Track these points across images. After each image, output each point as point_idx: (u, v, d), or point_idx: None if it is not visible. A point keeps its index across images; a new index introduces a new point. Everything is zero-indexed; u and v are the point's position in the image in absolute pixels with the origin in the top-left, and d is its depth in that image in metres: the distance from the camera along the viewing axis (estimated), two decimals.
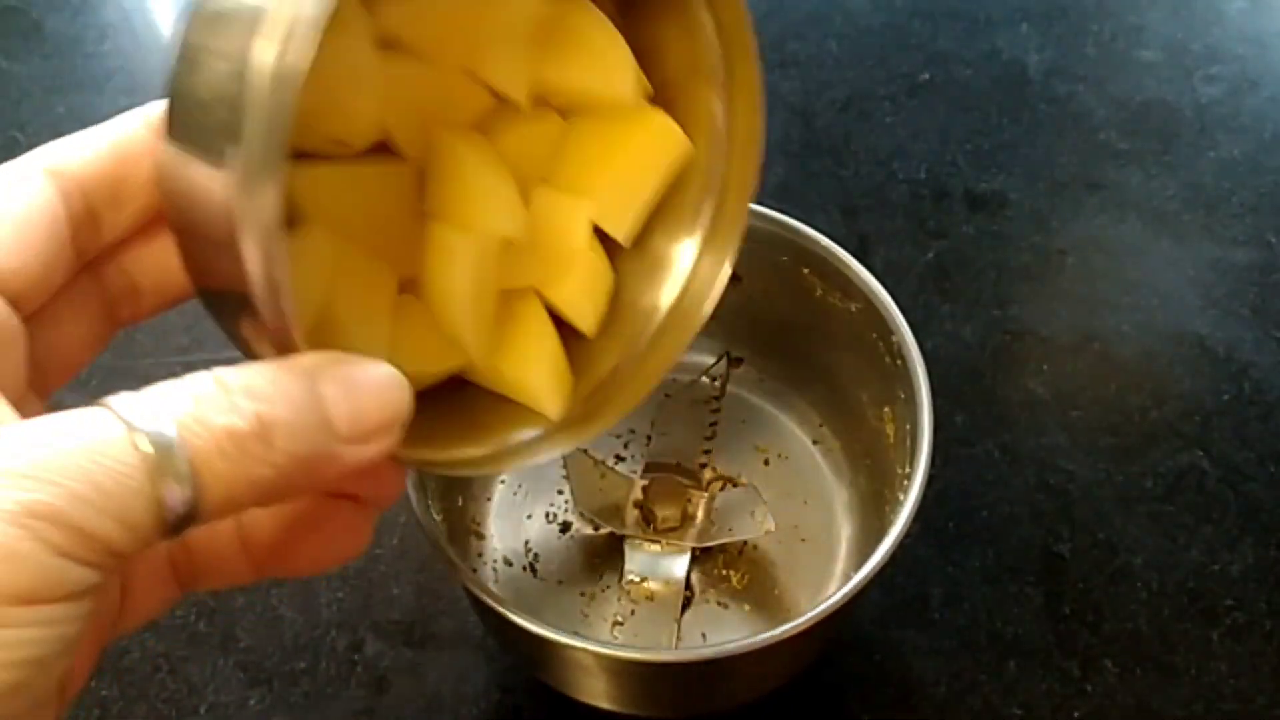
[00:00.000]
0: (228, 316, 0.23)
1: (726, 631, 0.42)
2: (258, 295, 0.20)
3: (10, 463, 0.17)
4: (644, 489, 0.44)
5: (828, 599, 0.34)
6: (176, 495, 0.19)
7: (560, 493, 0.45)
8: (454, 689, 0.44)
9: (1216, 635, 0.45)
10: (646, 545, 0.43)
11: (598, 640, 0.34)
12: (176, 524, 0.19)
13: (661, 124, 0.30)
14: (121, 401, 0.19)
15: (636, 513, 0.44)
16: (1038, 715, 0.43)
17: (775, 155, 0.60)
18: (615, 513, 0.44)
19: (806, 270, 0.42)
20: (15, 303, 0.21)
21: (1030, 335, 0.53)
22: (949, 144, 0.60)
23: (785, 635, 0.33)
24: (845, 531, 0.45)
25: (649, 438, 0.45)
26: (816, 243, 0.41)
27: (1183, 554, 0.47)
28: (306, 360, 0.21)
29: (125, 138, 0.23)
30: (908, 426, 0.39)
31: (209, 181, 0.20)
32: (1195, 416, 0.50)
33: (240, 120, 0.19)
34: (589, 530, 0.45)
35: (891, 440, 0.42)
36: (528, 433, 0.30)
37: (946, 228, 0.57)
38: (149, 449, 0.18)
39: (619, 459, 0.46)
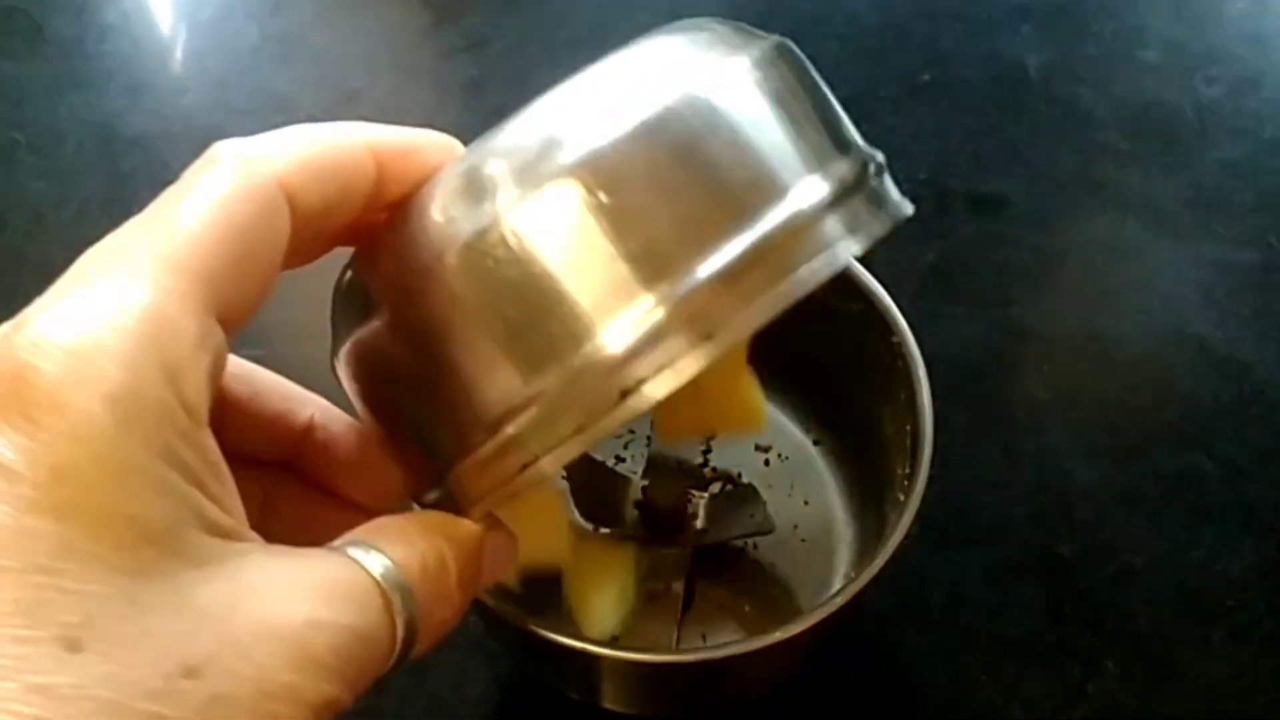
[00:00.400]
0: (379, 403, 0.24)
1: (726, 632, 0.42)
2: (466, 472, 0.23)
3: (317, 648, 0.18)
4: (644, 489, 0.44)
5: (828, 599, 0.34)
6: (392, 661, 0.20)
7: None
8: (454, 689, 0.44)
9: (1217, 635, 0.45)
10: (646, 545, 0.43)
11: (598, 641, 0.34)
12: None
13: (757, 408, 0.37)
14: (378, 567, 0.20)
15: (636, 513, 0.44)
16: (1038, 715, 0.43)
17: None
18: (614, 513, 0.44)
19: None
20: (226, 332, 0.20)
21: (1031, 336, 0.53)
22: (950, 145, 0.60)
23: (785, 636, 0.33)
24: (845, 532, 0.45)
25: (649, 438, 0.45)
26: None
27: (1183, 554, 0.47)
28: (476, 533, 0.23)
29: (353, 166, 0.22)
30: (908, 427, 0.39)
31: (483, 374, 0.21)
32: (1196, 417, 0.50)
33: (561, 399, 0.21)
34: (589, 530, 0.45)
35: (892, 440, 0.42)
36: None
37: (947, 228, 0.57)
38: (402, 627, 0.20)
39: (619, 459, 0.46)
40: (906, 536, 0.35)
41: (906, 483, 0.37)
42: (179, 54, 0.65)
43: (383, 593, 0.20)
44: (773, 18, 0.66)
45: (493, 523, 0.24)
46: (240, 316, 0.20)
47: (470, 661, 0.44)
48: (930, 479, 0.36)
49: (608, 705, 0.39)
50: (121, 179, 0.59)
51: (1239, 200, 0.58)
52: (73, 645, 0.16)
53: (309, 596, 0.19)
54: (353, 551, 0.20)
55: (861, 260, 0.41)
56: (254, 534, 0.20)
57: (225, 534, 0.19)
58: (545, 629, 0.33)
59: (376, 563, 0.20)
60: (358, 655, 0.19)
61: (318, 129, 0.22)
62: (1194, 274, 0.55)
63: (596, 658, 0.34)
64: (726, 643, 0.34)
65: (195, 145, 0.21)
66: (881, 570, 0.34)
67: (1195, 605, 0.45)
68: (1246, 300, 0.54)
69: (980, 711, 0.43)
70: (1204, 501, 0.48)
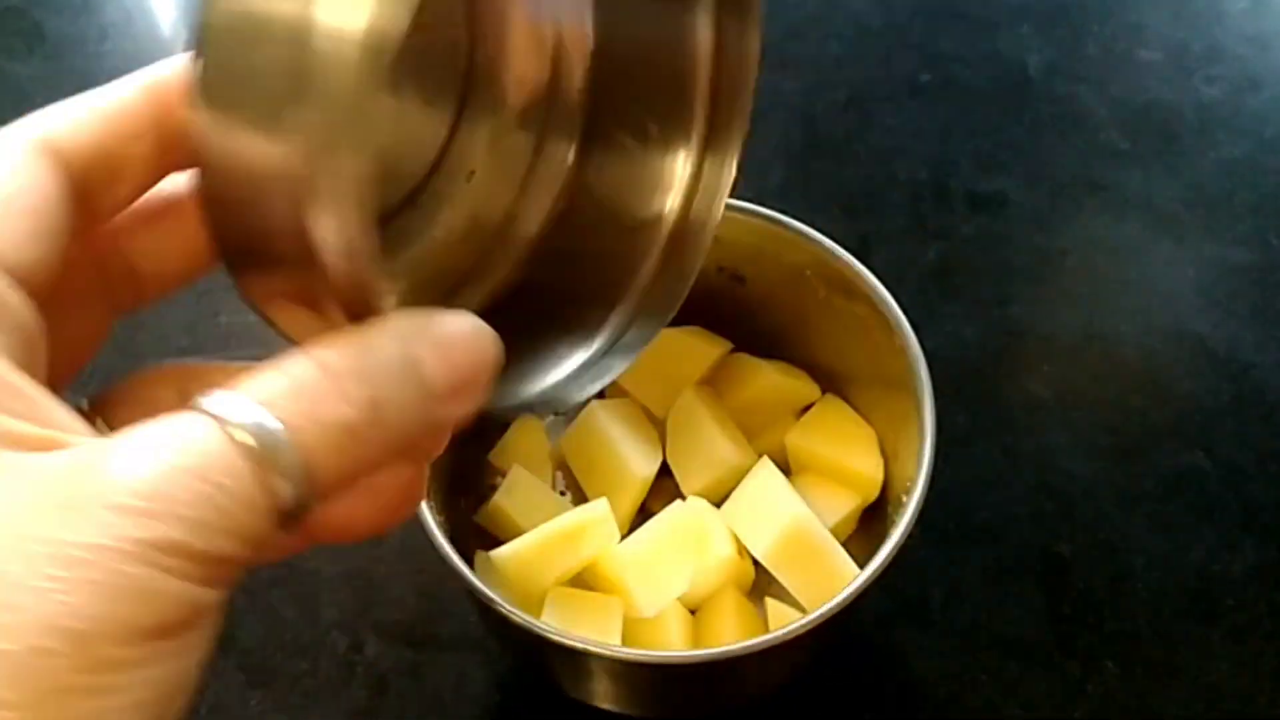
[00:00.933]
0: (275, 290, 0.21)
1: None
2: (335, 266, 0.19)
3: (119, 494, 0.16)
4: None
5: (829, 599, 0.34)
6: (288, 493, 0.18)
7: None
8: (455, 690, 0.44)
9: (1217, 635, 0.45)
10: None
11: (599, 642, 0.34)
12: (287, 520, 0.18)
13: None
14: (218, 403, 0.18)
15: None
16: (1038, 715, 0.43)
17: (776, 155, 0.60)
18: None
19: (808, 271, 0.42)
20: (32, 296, 0.19)
21: (1031, 335, 0.53)
22: (950, 144, 0.60)
23: (786, 637, 0.33)
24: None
25: None
26: (818, 243, 0.41)
27: (1183, 554, 0.46)
28: (399, 325, 0.19)
29: (123, 109, 0.21)
30: (909, 427, 0.39)
31: (266, 150, 0.19)
32: (1196, 417, 0.50)
33: (313, 84, 0.18)
34: None
35: (894, 441, 0.42)
36: (574, 360, 0.29)
37: (947, 228, 0.57)
38: (258, 452, 0.17)
39: None
40: (908, 537, 0.35)
41: (908, 483, 0.37)
42: (181, 53, 0.65)
43: (207, 416, 0.17)
44: (773, 17, 0.66)
45: (423, 314, 0.20)
46: (35, 279, 0.19)
47: (470, 661, 0.44)
48: (931, 479, 0.36)
49: (608, 706, 0.39)
50: None
51: (1239, 200, 0.57)
52: None
53: (113, 453, 0.17)
54: (197, 403, 0.18)
55: (862, 259, 0.41)
56: (83, 434, 0.18)
57: (34, 447, 0.17)
58: (546, 629, 0.33)
59: (214, 402, 0.18)
60: (184, 490, 0.17)
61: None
62: (1194, 274, 0.55)
63: (597, 659, 0.34)
64: (728, 644, 0.34)
65: None
66: (882, 570, 0.34)
67: (1195, 605, 0.45)
68: (1246, 300, 0.54)
69: (980, 711, 0.43)
70: (1204, 501, 0.48)
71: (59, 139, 0.20)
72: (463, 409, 0.20)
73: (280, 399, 0.18)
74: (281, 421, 0.18)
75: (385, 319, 0.19)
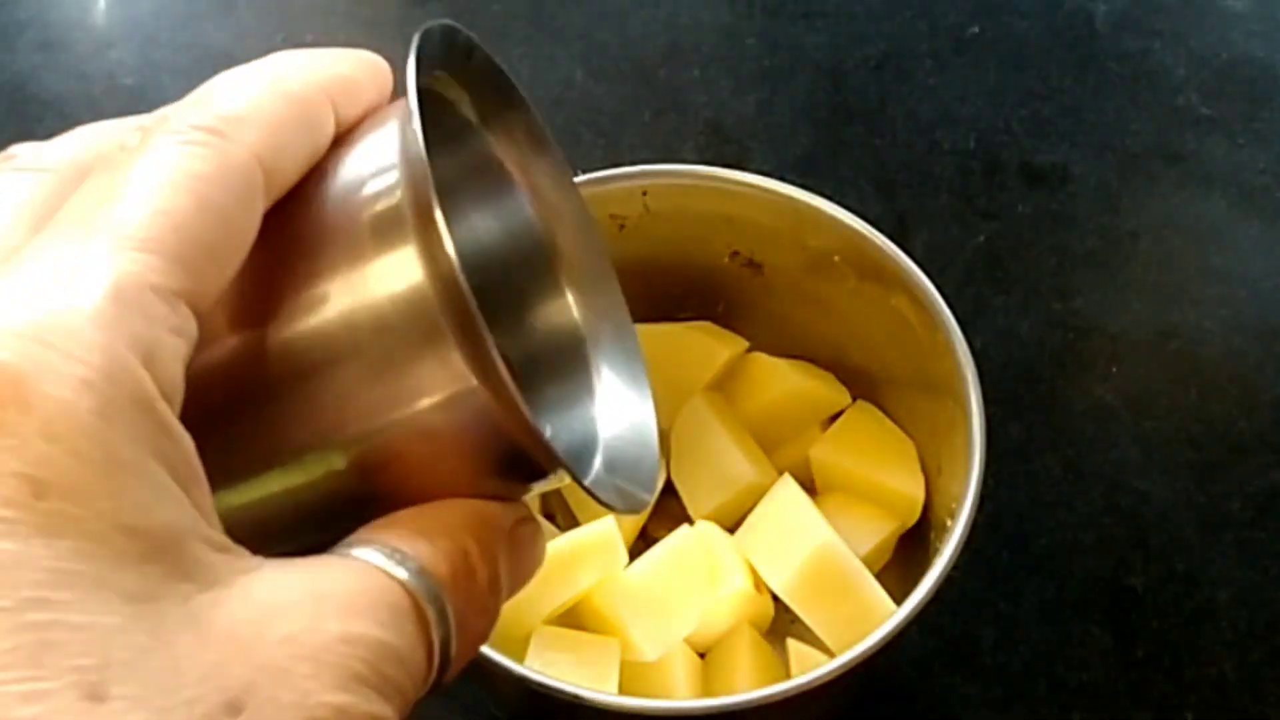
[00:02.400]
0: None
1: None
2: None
3: (351, 667, 0.18)
4: None
5: (860, 640, 0.34)
6: (438, 652, 0.20)
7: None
8: None
9: None
10: None
11: (592, 689, 0.34)
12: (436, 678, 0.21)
13: None
14: (405, 572, 0.20)
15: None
16: None
17: (800, 122, 0.60)
18: None
19: (837, 256, 0.42)
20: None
21: (1097, 332, 0.53)
22: (1002, 108, 0.60)
23: (811, 684, 0.33)
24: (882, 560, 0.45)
25: None
26: (848, 225, 0.41)
27: (1275, 588, 0.47)
28: (502, 524, 0.23)
29: (324, 127, 0.22)
30: (955, 439, 0.39)
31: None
32: None
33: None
34: None
35: (937, 455, 0.42)
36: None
37: (999, 206, 0.57)
38: (437, 644, 0.20)
39: None
40: (954, 568, 0.35)
41: (954, 505, 0.37)
42: (101, 2, 0.65)
43: (415, 602, 0.20)
44: None
45: (518, 511, 0.23)
46: (206, 307, 0.20)
47: (440, 714, 0.44)
48: (981, 500, 0.36)
49: None
50: None
51: None
52: (95, 693, 0.15)
53: (337, 611, 0.18)
54: (371, 556, 0.20)
55: (900, 244, 0.41)
56: (247, 551, 0.19)
57: (223, 549, 0.18)
58: (535, 674, 0.34)
59: (402, 568, 0.20)
60: (395, 674, 0.19)
61: (277, 82, 0.22)
62: None
63: (590, 708, 0.34)
64: (743, 691, 0.34)
65: (120, 108, 0.21)
66: (924, 607, 0.34)
67: None
68: None
69: None
70: None
71: (271, 162, 0.21)
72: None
73: (448, 590, 0.21)
74: (440, 585, 0.20)
75: (502, 518, 0.23)
